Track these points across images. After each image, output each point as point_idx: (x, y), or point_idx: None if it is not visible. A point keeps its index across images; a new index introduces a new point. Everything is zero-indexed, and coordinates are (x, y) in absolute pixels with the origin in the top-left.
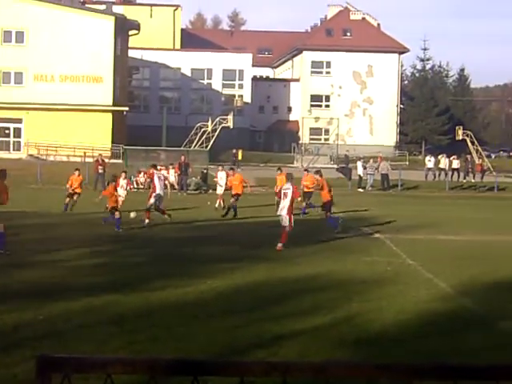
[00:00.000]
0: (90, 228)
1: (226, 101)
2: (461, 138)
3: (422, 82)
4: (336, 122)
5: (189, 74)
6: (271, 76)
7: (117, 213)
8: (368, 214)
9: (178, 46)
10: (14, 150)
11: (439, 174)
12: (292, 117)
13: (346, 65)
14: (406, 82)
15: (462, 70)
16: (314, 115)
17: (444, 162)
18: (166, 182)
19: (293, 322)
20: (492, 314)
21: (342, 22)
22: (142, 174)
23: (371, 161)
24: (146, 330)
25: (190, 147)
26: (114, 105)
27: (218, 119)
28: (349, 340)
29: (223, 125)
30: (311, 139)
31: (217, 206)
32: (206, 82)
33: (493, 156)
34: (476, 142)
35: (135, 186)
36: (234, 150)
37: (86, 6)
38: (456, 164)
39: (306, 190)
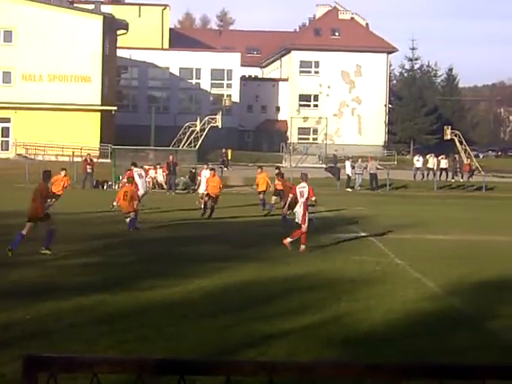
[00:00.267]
0: (80, 227)
1: (215, 100)
2: (449, 137)
3: (411, 82)
4: (324, 121)
5: (177, 73)
6: (260, 76)
7: (132, 213)
8: (357, 213)
9: (166, 45)
10: (2, 149)
11: (427, 174)
12: (280, 116)
13: (335, 64)
14: (394, 81)
15: (451, 69)
16: (303, 115)
17: (432, 161)
18: (148, 179)
19: (282, 322)
20: (480, 313)
21: (331, 22)
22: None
23: (360, 160)
24: (136, 329)
25: (178, 147)
26: (102, 104)
27: (206, 119)
28: (337, 339)
29: (212, 124)
30: (300, 139)
31: (197, 203)
32: (194, 81)
33: (481, 156)
34: (464, 141)
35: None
36: (224, 150)
37: (75, 5)
38: (444, 164)
39: (278, 188)
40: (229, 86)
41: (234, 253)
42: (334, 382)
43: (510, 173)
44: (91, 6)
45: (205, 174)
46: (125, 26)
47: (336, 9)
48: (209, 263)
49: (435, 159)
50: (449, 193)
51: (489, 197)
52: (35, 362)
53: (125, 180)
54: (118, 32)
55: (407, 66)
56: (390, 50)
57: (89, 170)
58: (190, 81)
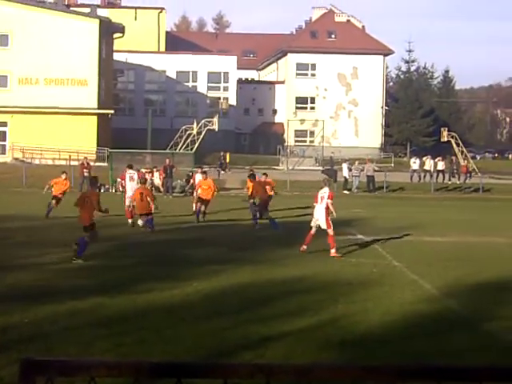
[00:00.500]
0: (78, 231)
1: (211, 103)
2: (446, 139)
3: (407, 84)
4: (321, 124)
5: (174, 76)
6: (256, 78)
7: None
8: (354, 215)
9: (162, 48)
10: None
11: (424, 176)
12: (277, 119)
13: (331, 67)
14: (390, 83)
15: (447, 71)
16: (300, 117)
17: (429, 163)
18: (135, 183)
19: (279, 324)
20: (477, 315)
21: (327, 24)
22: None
23: (356, 163)
24: (134, 332)
25: (175, 150)
26: (99, 108)
27: (203, 122)
28: (334, 341)
29: (208, 127)
30: (296, 141)
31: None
32: (191, 84)
33: (478, 157)
34: (461, 143)
35: (121, 188)
36: (222, 153)
37: (71, 9)
38: (441, 165)
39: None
40: (225, 88)
41: (232, 255)
42: None
43: (507, 174)
44: (87, 10)
45: (198, 177)
46: (121, 29)
47: (332, 11)
48: (206, 266)
49: (432, 161)
50: (446, 195)
51: (486, 198)
52: (32, 365)
53: (123, 182)
54: (115, 35)
55: (403, 68)
56: (386, 52)
57: (86, 174)
58: (186, 84)
